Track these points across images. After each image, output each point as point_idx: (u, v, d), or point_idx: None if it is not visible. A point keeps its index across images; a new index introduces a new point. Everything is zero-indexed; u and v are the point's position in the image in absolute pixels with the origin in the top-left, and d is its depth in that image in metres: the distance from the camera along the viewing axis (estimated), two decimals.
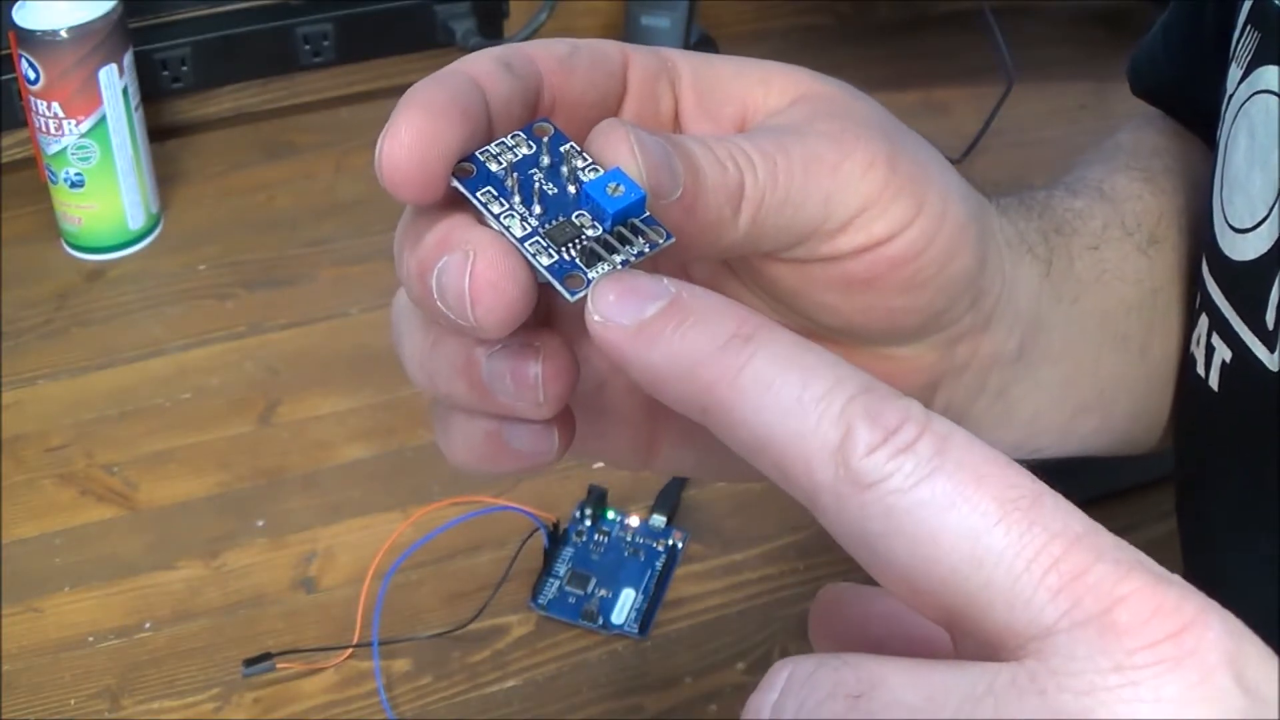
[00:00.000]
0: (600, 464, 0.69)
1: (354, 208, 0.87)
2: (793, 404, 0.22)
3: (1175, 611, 0.20)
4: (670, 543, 0.64)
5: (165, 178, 0.87)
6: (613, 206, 0.25)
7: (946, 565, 0.21)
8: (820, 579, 0.64)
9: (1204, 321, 0.41)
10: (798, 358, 0.22)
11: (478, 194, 0.26)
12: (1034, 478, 0.22)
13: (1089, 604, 0.20)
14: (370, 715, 0.57)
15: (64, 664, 0.58)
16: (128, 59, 0.79)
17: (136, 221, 0.82)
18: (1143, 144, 0.49)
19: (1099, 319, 0.41)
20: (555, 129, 0.27)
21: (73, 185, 0.79)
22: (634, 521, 0.65)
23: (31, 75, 0.76)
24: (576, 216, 0.25)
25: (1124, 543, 0.21)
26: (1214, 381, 0.40)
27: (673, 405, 0.24)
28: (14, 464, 0.68)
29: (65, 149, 0.78)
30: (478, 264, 0.25)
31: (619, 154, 0.26)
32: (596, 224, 0.25)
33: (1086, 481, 0.68)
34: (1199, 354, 0.41)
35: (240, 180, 0.90)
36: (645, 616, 0.61)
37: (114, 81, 0.78)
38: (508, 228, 0.25)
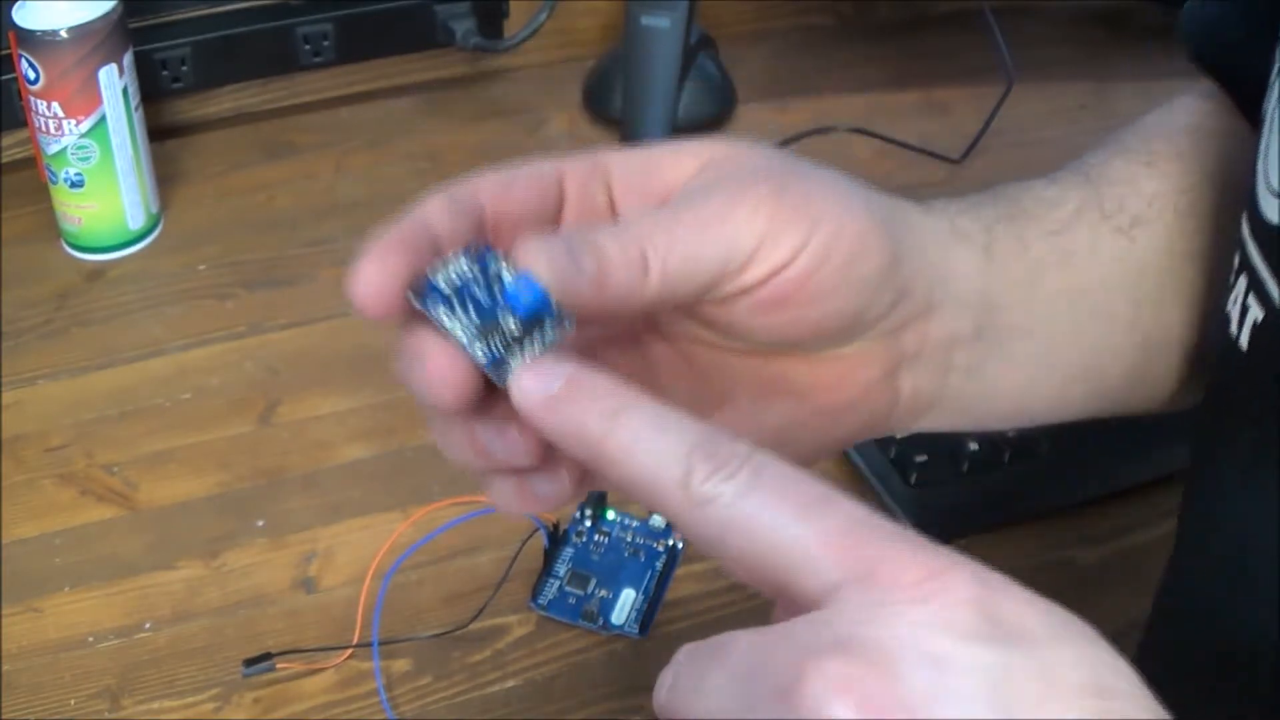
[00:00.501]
0: None
1: (354, 208, 0.87)
2: (650, 454, 0.30)
3: (928, 566, 0.28)
4: (670, 543, 0.64)
5: (165, 178, 0.87)
6: (522, 308, 0.32)
7: (765, 552, 0.29)
8: None
9: (1242, 282, 0.41)
10: (656, 419, 0.30)
11: (429, 307, 0.33)
12: (830, 489, 0.29)
13: (863, 566, 0.28)
14: (370, 715, 0.57)
15: (64, 664, 0.58)
16: (128, 59, 0.79)
17: (136, 221, 0.82)
18: (1167, 123, 0.50)
19: (1071, 297, 0.44)
20: (485, 247, 0.33)
21: (73, 185, 0.79)
22: (634, 521, 0.65)
23: (31, 75, 0.76)
24: (502, 317, 0.32)
25: (900, 528, 0.29)
26: (1243, 341, 0.40)
27: (573, 456, 0.31)
28: (14, 464, 0.68)
29: (65, 149, 0.78)
30: (428, 365, 0.33)
31: (528, 261, 0.32)
32: (514, 322, 0.32)
33: (1087, 482, 0.68)
34: (1234, 313, 0.41)
35: (240, 180, 0.90)
36: (645, 617, 0.61)
37: (114, 81, 0.78)
38: (451, 330, 0.32)
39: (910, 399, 0.40)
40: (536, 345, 0.32)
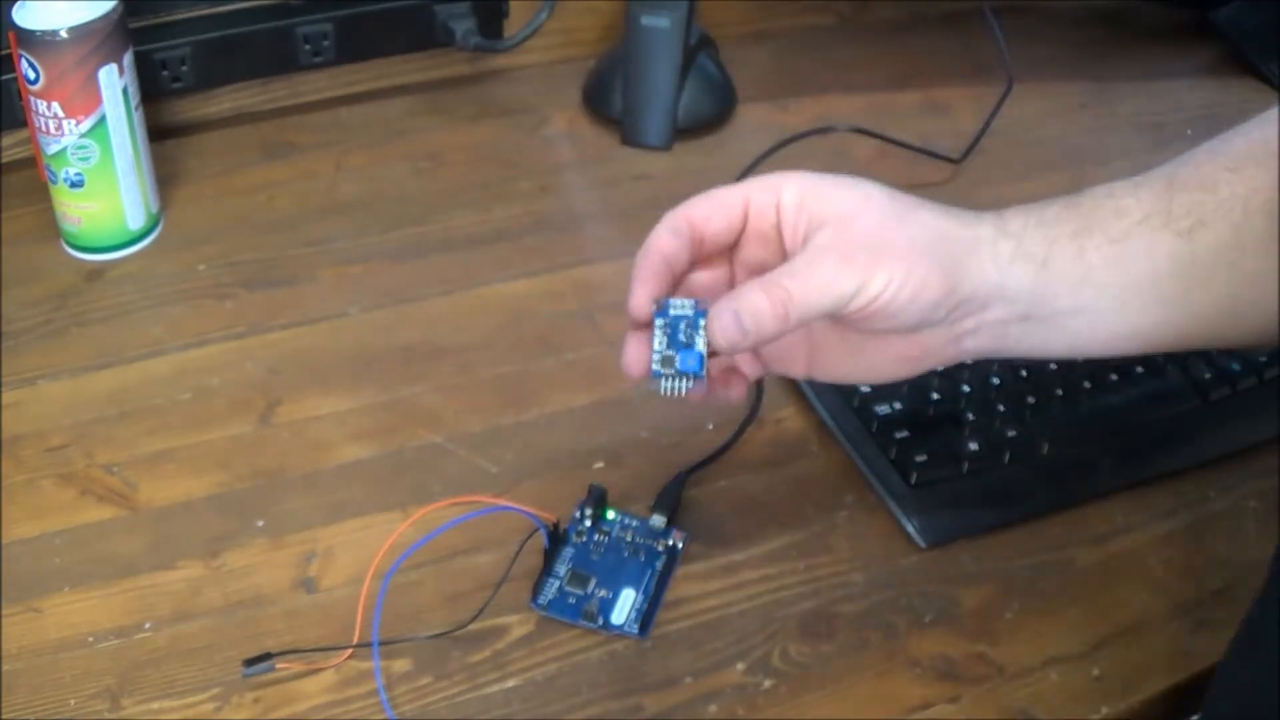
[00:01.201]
0: (600, 464, 0.69)
1: (354, 208, 0.87)
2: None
3: None
4: (670, 543, 0.64)
5: (165, 178, 0.87)
6: (684, 367, 0.54)
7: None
8: (820, 579, 0.64)
9: None
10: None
11: (655, 319, 0.55)
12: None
13: None
14: (370, 715, 0.57)
15: (64, 664, 0.58)
16: (128, 59, 0.79)
17: (136, 221, 0.82)
18: (1261, 126, 0.57)
19: (1121, 288, 0.55)
20: (697, 308, 0.55)
21: (73, 185, 0.79)
22: (634, 521, 0.65)
23: (31, 75, 0.76)
24: (677, 356, 0.54)
25: None
26: None
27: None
28: (14, 464, 0.68)
29: (65, 149, 0.78)
30: (628, 347, 0.56)
31: (713, 335, 0.54)
32: (679, 363, 0.54)
33: (1087, 482, 0.68)
34: None
35: (240, 180, 0.90)
36: (645, 616, 0.61)
37: (114, 81, 0.78)
38: (652, 342, 0.55)
39: (972, 353, 0.56)
40: (682, 383, 0.55)
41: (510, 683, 0.58)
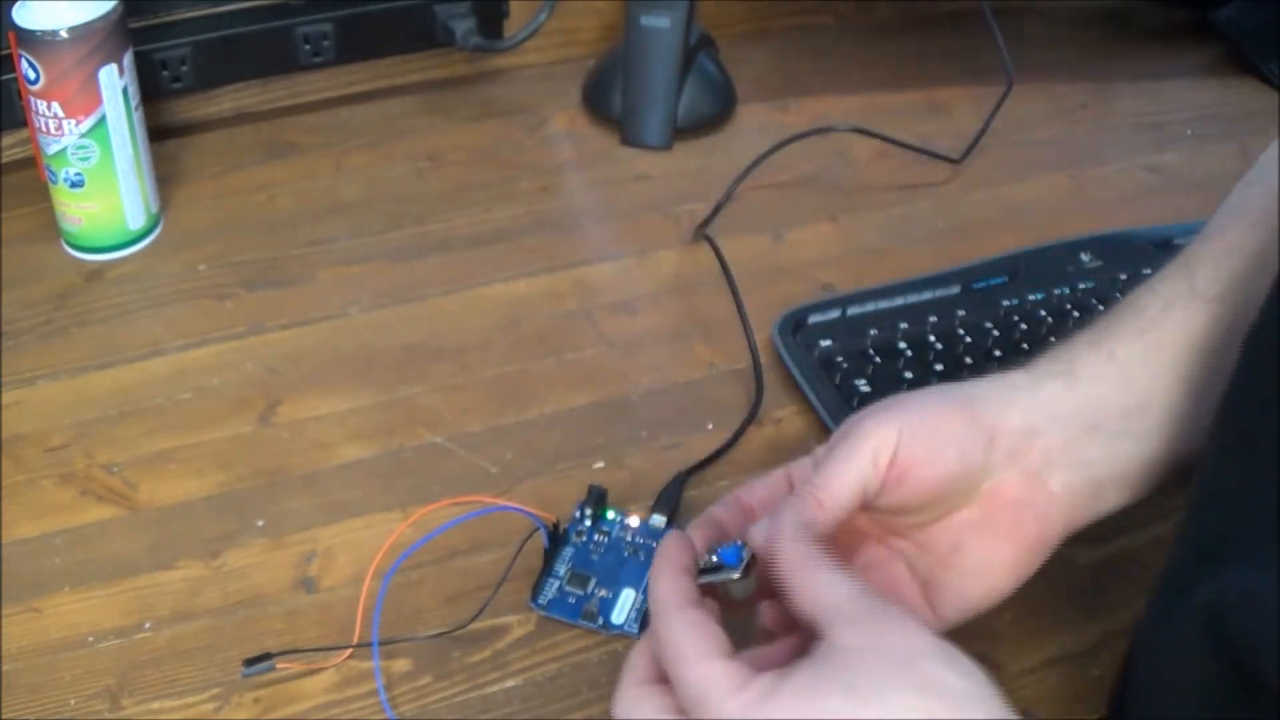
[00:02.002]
0: (600, 464, 0.69)
1: (354, 208, 0.87)
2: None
3: None
4: None
5: (165, 178, 0.87)
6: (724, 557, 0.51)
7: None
8: None
9: None
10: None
11: (708, 560, 0.51)
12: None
13: None
14: (370, 715, 0.57)
15: (64, 664, 0.58)
16: (128, 59, 0.79)
17: (136, 221, 0.82)
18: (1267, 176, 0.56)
19: (1176, 373, 0.53)
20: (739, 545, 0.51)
21: (73, 185, 0.79)
22: (634, 521, 0.65)
23: (31, 75, 0.76)
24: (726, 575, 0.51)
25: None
26: None
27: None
28: (14, 464, 0.68)
29: (65, 149, 0.78)
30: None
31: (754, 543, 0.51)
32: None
33: None
34: None
35: (240, 180, 0.90)
36: (645, 616, 0.61)
37: (114, 81, 0.78)
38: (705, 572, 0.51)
39: (1066, 494, 0.54)
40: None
41: (510, 683, 0.58)
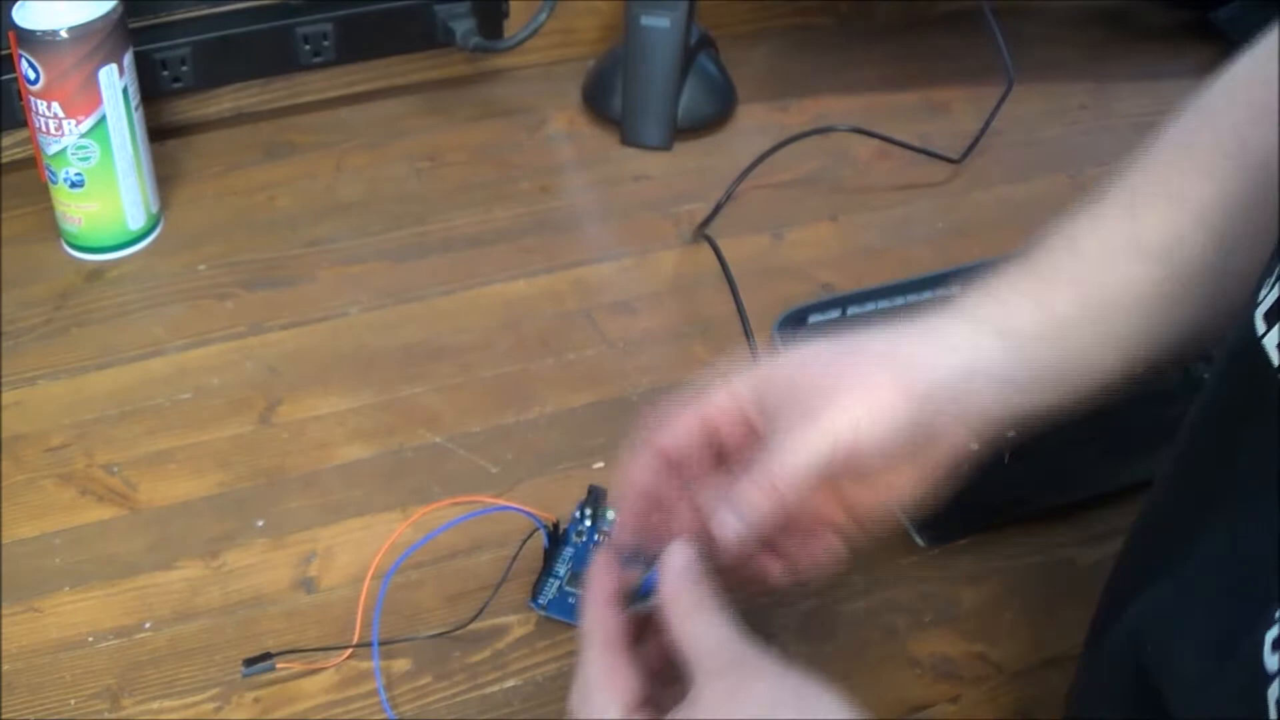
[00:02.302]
0: (600, 464, 0.69)
1: (354, 208, 0.87)
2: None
3: None
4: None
5: (165, 178, 0.87)
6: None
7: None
8: (820, 579, 0.63)
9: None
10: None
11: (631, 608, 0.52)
12: None
13: None
14: (370, 715, 0.57)
15: (64, 664, 0.58)
16: (128, 59, 0.79)
17: (136, 221, 0.82)
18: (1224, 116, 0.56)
19: (1100, 328, 0.54)
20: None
21: (73, 185, 0.79)
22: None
23: (31, 75, 0.76)
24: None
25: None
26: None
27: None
28: (14, 464, 0.68)
29: (65, 149, 0.78)
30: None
31: (723, 537, 0.51)
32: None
33: (1087, 482, 0.68)
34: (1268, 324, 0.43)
35: (240, 180, 0.90)
36: None
37: (114, 81, 0.78)
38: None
39: (987, 427, 0.54)
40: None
41: (510, 683, 0.58)
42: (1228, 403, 0.45)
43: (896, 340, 0.53)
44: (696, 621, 0.48)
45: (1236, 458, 0.43)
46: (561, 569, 0.62)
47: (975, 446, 0.54)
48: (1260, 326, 0.41)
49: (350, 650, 0.59)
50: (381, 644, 0.59)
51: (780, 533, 0.54)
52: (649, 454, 0.53)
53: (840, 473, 0.51)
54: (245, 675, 0.58)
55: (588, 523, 0.64)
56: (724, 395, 0.53)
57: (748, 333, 0.76)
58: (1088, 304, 0.53)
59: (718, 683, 0.45)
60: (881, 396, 0.51)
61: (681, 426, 0.53)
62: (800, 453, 0.50)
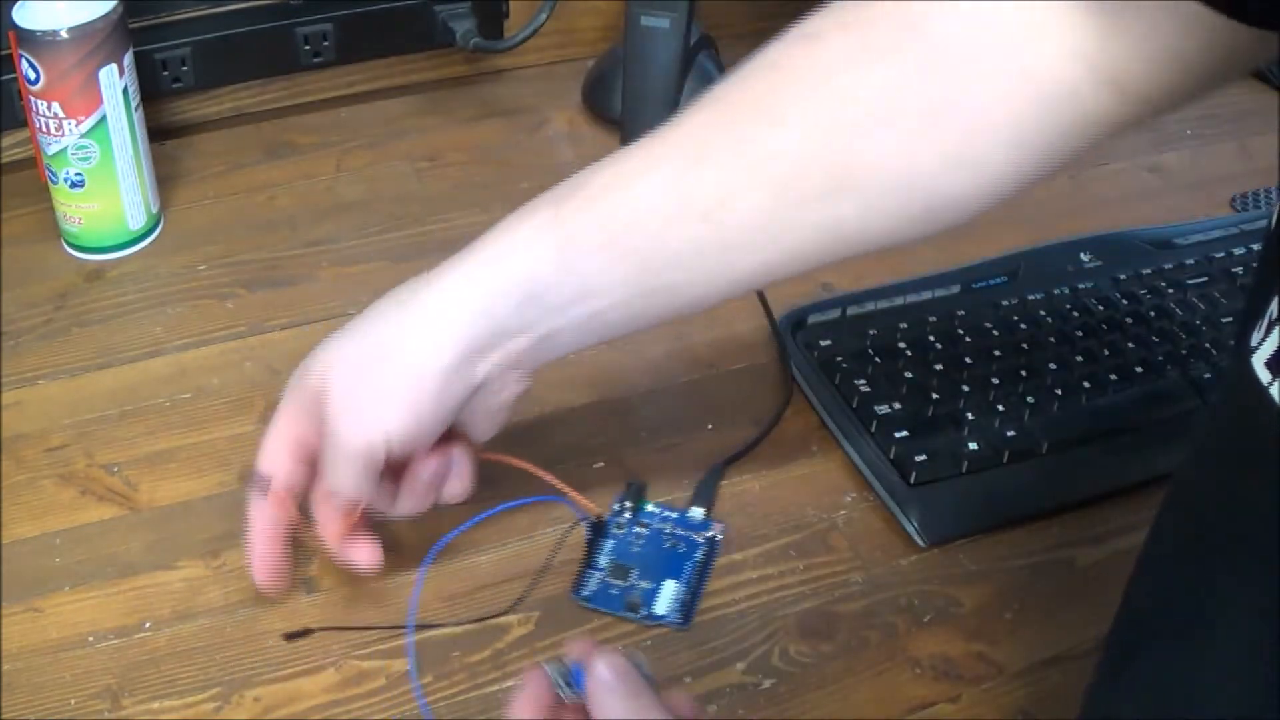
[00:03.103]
0: (600, 464, 0.69)
1: (354, 208, 0.87)
2: None
3: None
4: (710, 535, 0.65)
5: (165, 178, 0.87)
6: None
7: None
8: (820, 579, 0.64)
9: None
10: None
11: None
12: None
13: None
14: (370, 715, 0.57)
15: (64, 664, 0.58)
16: (128, 59, 0.79)
17: (136, 221, 0.82)
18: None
19: (643, 284, 0.54)
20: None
21: (73, 185, 0.79)
22: (673, 514, 0.65)
23: (31, 75, 0.76)
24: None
25: None
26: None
27: None
28: (14, 464, 0.68)
29: (65, 149, 0.78)
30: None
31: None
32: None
33: (1087, 482, 0.68)
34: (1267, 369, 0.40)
35: (240, 180, 0.90)
36: (687, 607, 0.61)
37: (114, 81, 0.78)
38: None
39: (516, 378, 0.58)
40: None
41: (510, 683, 0.58)
42: (1229, 450, 0.43)
43: (406, 335, 0.55)
44: None
45: (1240, 511, 0.41)
46: (603, 561, 0.63)
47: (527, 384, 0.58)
48: (1263, 375, 0.38)
49: (380, 632, 0.59)
50: (418, 627, 0.59)
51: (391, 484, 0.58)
52: (272, 495, 0.58)
53: (397, 460, 0.56)
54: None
55: (626, 515, 0.65)
56: (286, 419, 0.58)
57: (772, 322, 0.76)
58: (624, 263, 0.54)
59: None
60: (401, 409, 0.55)
61: (275, 458, 0.58)
62: (339, 473, 0.56)
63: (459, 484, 0.60)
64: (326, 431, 0.56)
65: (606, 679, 0.47)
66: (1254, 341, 0.39)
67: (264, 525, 0.58)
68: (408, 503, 0.59)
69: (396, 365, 0.55)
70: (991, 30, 0.49)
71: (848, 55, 0.52)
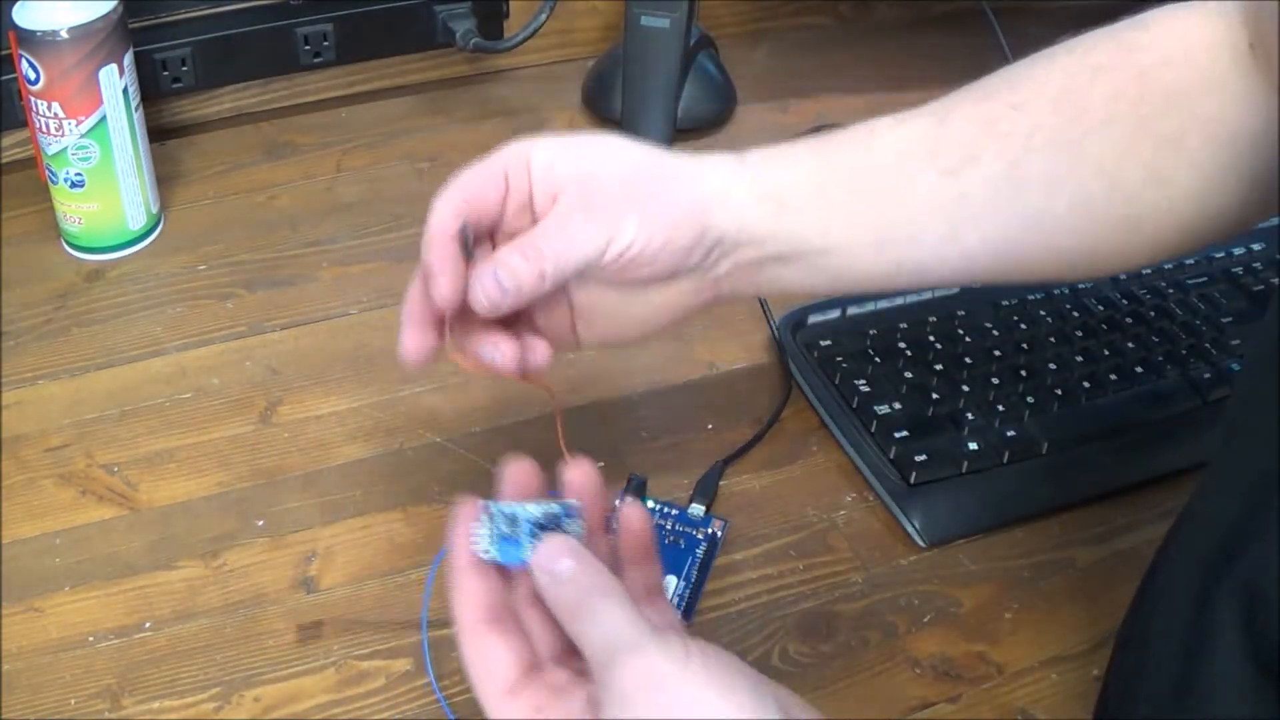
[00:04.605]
0: (600, 464, 0.69)
1: (354, 208, 0.87)
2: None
3: None
4: (710, 531, 0.65)
5: (165, 178, 0.87)
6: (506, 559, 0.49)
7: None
8: (820, 579, 0.64)
9: None
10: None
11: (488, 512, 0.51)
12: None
13: None
14: (370, 715, 0.57)
15: (64, 664, 0.58)
16: (128, 59, 0.79)
17: (136, 221, 0.82)
18: (1056, 66, 0.58)
19: (872, 226, 0.55)
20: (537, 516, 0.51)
21: (73, 185, 0.79)
22: (673, 510, 0.65)
23: (32, 75, 0.76)
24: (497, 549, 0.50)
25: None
26: None
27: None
28: (14, 464, 0.68)
29: (65, 149, 0.78)
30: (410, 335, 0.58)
31: (474, 296, 0.53)
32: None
33: (1087, 482, 0.68)
34: None
35: (240, 180, 0.90)
36: (688, 603, 0.61)
37: (114, 81, 0.78)
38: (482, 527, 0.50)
39: (729, 295, 0.57)
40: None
41: None
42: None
43: (698, 175, 0.55)
44: (582, 624, 0.45)
45: None
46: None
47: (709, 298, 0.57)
48: None
49: (378, 634, 0.59)
50: (431, 624, 0.59)
51: (515, 318, 0.55)
52: (457, 204, 0.54)
53: (603, 277, 0.54)
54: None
55: None
56: (518, 159, 0.54)
57: (770, 322, 0.76)
58: (866, 200, 0.55)
59: (623, 682, 0.43)
60: (677, 226, 0.53)
61: (485, 179, 0.54)
62: (578, 246, 0.52)
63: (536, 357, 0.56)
64: (548, 223, 0.53)
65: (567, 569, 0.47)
66: None
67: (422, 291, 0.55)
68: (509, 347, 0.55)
69: (665, 183, 0.54)
70: (1191, 63, 0.54)
71: (1078, 66, 0.57)
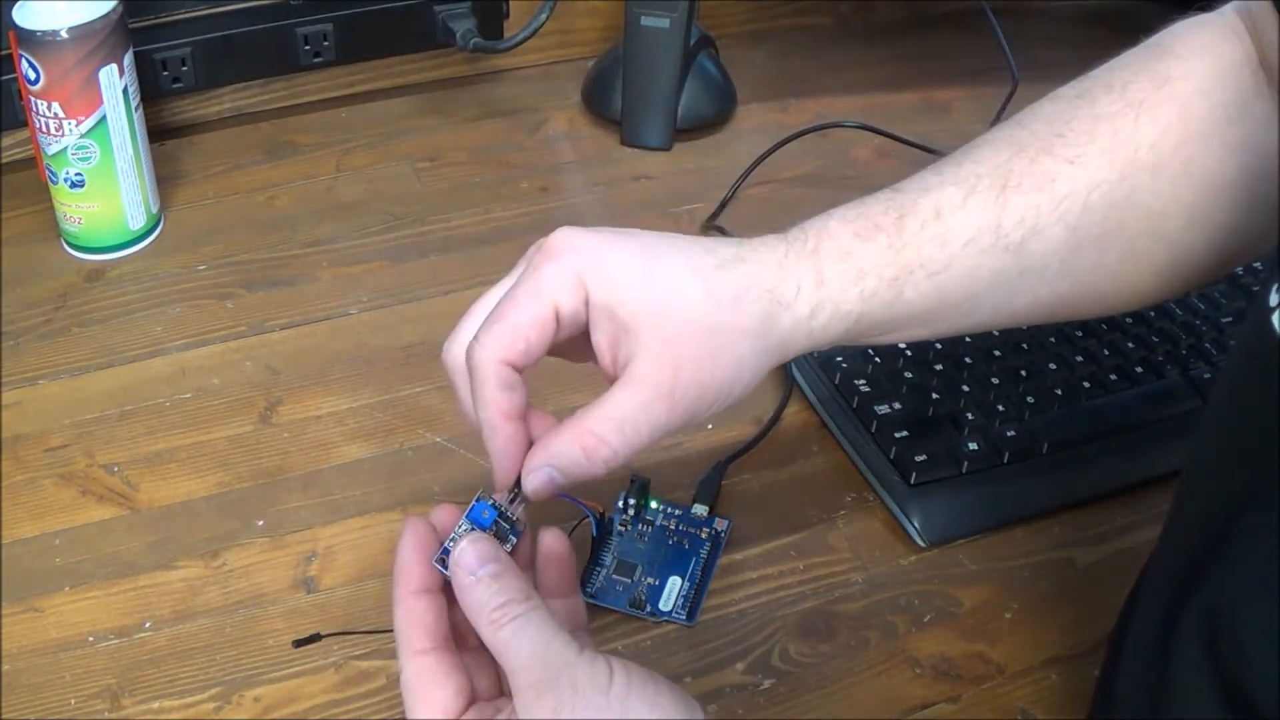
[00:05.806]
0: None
1: (354, 208, 0.87)
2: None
3: None
4: (714, 530, 0.65)
5: (165, 178, 0.87)
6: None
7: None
8: (820, 579, 0.64)
9: None
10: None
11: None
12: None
13: None
14: (370, 715, 0.57)
15: (64, 664, 0.58)
16: (128, 59, 0.79)
17: (136, 221, 0.82)
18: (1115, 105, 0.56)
19: (934, 311, 0.54)
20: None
21: (73, 185, 0.79)
22: (676, 510, 0.65)
23: (32, 75, 0.76)
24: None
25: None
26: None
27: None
28: (14, 464, 0.68)
29: (65, 149, 0.78)
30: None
31: (528, 490, 0.50)
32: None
33: (1087, 482, 0.68)
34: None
35: (240, 180, 0.90)
36: (692, 604, 0.61)
37: (114, 81, 0.78)
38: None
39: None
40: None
41: None
42: (1251, 397, 0.44)
43: (769, 316, 0.51)
44: (506, 632, 0.45)
45: (1262, 451, 0.42)
46: (608, 558, 0.63)
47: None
48: None
49: (378, 635, 0.59)
50: None
51: None
52: (503, 372, 0.49)
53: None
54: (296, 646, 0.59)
55: (631, 512, 0.65)
56: (571, 293, 0.49)
57: None
58: (936, 293, 0.53)
59: (541, 700, 0.43)
60: (751, 384, 0.51)
61: (532, 330, 0.49)
62: (649, 433, 0.49)
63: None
64: (623, 410, 0.49)
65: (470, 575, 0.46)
66: (1273, 301, 0.41)
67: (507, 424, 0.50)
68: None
69: (750, 341, 0.50)
70: (1223, 88, 0.54)
71: (1121, 106, 0.55)
